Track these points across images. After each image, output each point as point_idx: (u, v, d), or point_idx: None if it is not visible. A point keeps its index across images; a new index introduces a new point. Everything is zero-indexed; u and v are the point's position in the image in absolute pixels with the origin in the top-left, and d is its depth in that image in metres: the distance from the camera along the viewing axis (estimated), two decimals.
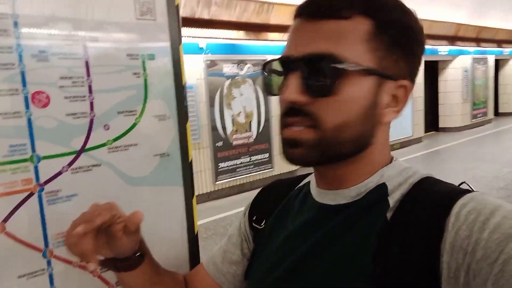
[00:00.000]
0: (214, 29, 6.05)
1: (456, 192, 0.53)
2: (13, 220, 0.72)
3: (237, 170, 6.73)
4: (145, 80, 0.85)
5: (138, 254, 0.71)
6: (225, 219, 5.44)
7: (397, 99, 0.59)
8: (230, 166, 6.63)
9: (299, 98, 0.55)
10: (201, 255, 0.96)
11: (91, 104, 0.79)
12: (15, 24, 0.71)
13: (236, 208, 5.61)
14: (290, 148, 0.58)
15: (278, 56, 0.59)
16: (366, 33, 0.55)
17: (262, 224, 0.74)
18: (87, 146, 0.79)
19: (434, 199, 0.54)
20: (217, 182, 6.47)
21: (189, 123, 0.92)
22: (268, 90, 0.63)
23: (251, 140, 6.84)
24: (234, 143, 6.62)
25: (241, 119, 6.68)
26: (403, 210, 0.55)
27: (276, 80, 0.60)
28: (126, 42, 0.83)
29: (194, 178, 0.95)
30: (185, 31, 5.45)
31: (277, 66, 0.60)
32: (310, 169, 0.67)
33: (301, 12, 0.58)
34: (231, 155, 6.61)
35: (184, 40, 0.91)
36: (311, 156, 0.57)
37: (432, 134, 11.95)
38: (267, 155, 7.08)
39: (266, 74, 0.63)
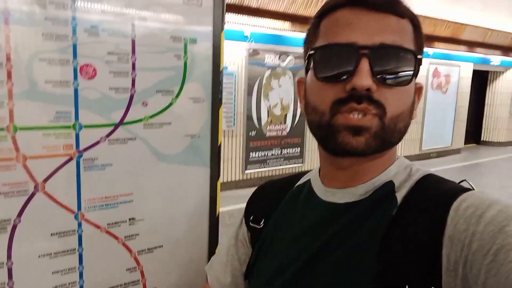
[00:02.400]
0: (260, 18, 6.04)
1: (456, 190, 0.55)
2: (52, 181, 0.77)
3: (268, 161, 6.75)
4: (185, 63, 0.89)
5: None
6: None
7: (415, 100, 0.62)
8: (261, 156, 6.65)
9: (374, 85, 0.55)
10: (223, 240, 0.98)
11: (133, 80, 0.83)
12: None
13: None
14: (354, 136, 0.55)
15: (340, 42, 0.56)
16: (412, 34, 0.59)
17: (261, 223, 0.73)
18: (125, 120, 0.83)
19: (436, 196, 0.55)
20: (246, 171, 6.52)
21: (222, 109, 0.96)
22: (324, 74, 0.58)
23: (285, 133, 6.83)
24: (267, 134, 6.64)
25: (277, 111, 6.68)
26: (407, 207, 0.56)
27: (335, 64, 0.57)
28: (171, 24, 0.86)
29: (224, 165, 0.98)
30: (231, 17, 5.46)
31: (333, 52, 0.57)
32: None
33: (359, 1, 0.57)
34: (263, 146, 6.63)
35: (229, 26, 0.94)
36: (373, 145, 0.56)
37: (473, 146, 11.50)
38: (298, 149, 7.06)
39: (321, 57, 0.59)
